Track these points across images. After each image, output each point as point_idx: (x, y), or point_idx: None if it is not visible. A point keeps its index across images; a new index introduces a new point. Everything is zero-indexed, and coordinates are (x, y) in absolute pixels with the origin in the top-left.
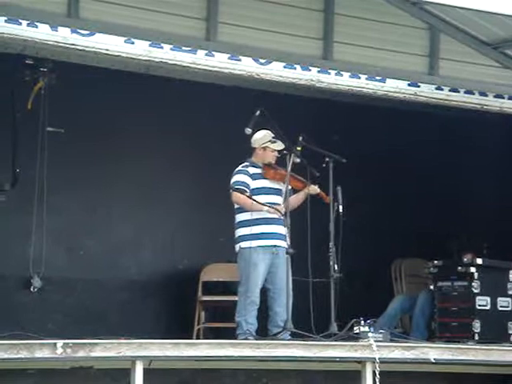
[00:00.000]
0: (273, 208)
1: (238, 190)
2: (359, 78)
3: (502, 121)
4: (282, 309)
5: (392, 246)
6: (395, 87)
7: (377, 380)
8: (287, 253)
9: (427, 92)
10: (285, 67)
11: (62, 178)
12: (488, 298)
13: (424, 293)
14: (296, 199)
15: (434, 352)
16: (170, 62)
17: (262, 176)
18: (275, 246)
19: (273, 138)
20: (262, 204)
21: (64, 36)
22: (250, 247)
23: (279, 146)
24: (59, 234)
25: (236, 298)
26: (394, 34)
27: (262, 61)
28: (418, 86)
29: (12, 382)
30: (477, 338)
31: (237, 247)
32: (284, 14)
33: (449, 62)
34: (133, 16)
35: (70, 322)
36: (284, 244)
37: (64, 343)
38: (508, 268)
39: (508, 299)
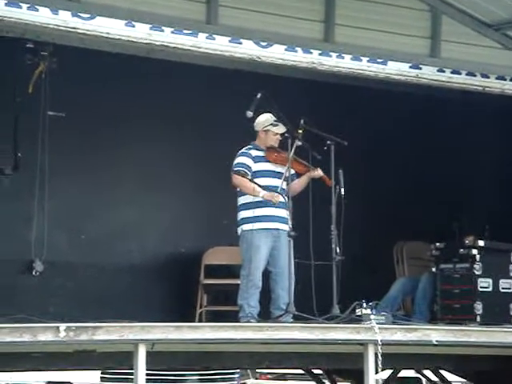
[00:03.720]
0: (269, 195)
1: (238, 172)
2: (361, 60)
3: (502, 102)
4: (284, 291)
5: (394, 228)
6: (397, 69)
7: (379, 362)
8: (289, 235)
9: (429, 74)
10: (286, 50)
11: (63, 162)
12: (490, 280)
13: (426, 275)
14: (299, 183)
15: (436, 334)
16: (170, 45)
17: (265, 159)
18: (277, 229)
19: (275, 121)
20: (262, 188)
21: (64, 19)
22: (252, 230)
23: (281, 129)
24: (61, 218)
25: (238, 282)
26: (395, 16)
27: (263, 44)
28: (420, 69)
29: (16, 364)
30: (479, 319)
31: (239, 230)
32: None
33: (450, 43)
34: None
35: (72, 306)
36: (286, 227)
37: (67, 327)
38: (510, 250)
39: (510, 281)
